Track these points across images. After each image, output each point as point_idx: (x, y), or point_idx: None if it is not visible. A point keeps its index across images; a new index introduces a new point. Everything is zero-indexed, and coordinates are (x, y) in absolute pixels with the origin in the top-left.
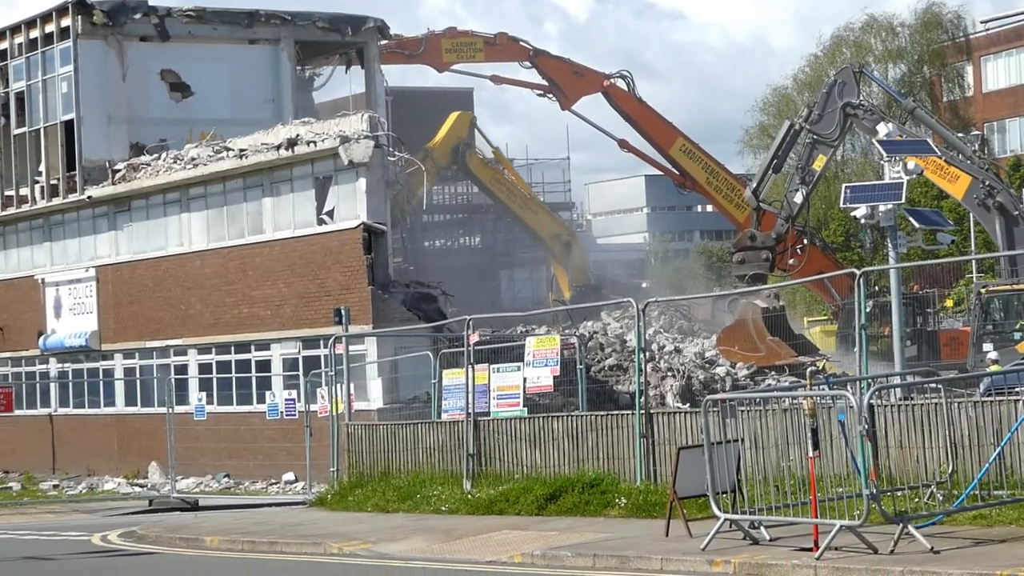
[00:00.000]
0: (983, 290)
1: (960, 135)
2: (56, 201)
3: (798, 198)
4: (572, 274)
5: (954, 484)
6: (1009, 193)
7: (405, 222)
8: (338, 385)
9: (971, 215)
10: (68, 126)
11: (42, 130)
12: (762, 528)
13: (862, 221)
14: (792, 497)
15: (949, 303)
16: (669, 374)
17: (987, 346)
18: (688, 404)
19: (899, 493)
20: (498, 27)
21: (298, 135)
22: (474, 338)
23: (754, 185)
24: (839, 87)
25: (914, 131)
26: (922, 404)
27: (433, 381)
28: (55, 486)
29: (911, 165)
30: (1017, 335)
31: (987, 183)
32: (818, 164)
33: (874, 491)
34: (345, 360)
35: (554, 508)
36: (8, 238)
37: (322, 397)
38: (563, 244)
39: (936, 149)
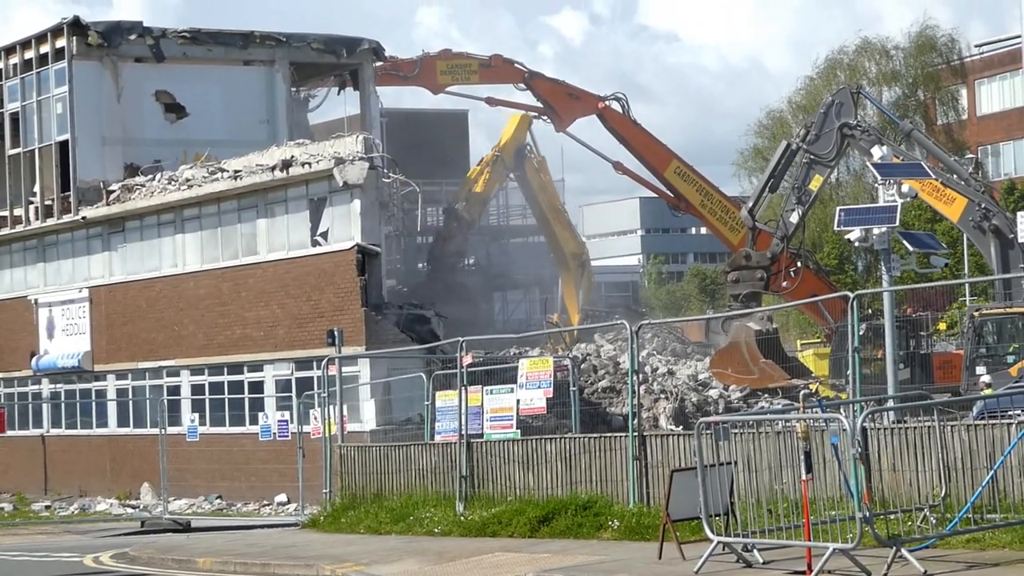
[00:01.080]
0: (976, 313)
1: (955, 158)
2: (50, 222)
3: (794, 218)
4: (583, 295)
5: (947, 507)
6: (1005, 216)
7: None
8: (331, 406)
9: (964, 238)
10: (63, 147)
11: (37, 150)
12: (755, 551)
13: (856, 244)
14: (785, 520)
15: (942, 326)
16: (662, 396)
17: (980, 369)
18: (681, 426)
19: (892, 516)
20: (493, 49)
21: (293, 156)
22: (467, 360)
23: (750, 204)
24: (836, 107)
25: (911, 153)
26: (915, 427)
27: (426, 403)
28: (47, 507)
29: (905, 188)
30: (1010, 358)
31: (983, 206)
32: (814, 184)
33: (867, 514)
34: (338, 381)
35: (547, 530)
36: (2, 259)
37: (315, 418)
38: (579, 263)
39: (930, 172)
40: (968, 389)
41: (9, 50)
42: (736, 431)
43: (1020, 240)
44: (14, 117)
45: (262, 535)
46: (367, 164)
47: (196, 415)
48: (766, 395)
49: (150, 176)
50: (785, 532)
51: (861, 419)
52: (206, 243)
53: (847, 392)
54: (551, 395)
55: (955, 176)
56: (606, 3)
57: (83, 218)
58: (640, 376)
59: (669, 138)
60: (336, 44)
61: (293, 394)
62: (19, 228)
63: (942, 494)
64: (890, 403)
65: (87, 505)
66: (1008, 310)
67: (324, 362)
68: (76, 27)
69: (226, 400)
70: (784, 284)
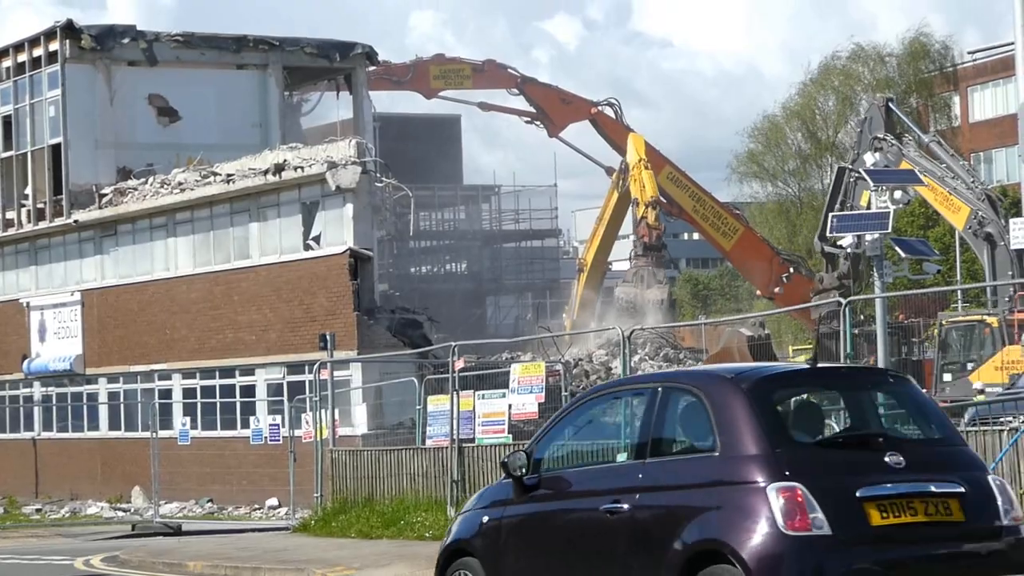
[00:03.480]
0: (944, 322)
1: (962, 163)
2: (42, 225)
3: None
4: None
5: None
6: (998, 224)
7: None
8: (322, 411)
9: (957, 245)
10: (55, 150)
11: (29, 154)
12: None
13: (848, 250)
14: None
15: (934, 332)
16: None
17: (947, 376)
18: None
19: None
20: (487, 54)
21: (285, 160)
22: (459, 364)
23: (819, 232)
24: (868, 123)
25: (936, 162)
26: None
27: (418, 407)
28: (38, 510)
29: (898, 195)
30: (970, 365)
31: (980, 214)
32: (863, 200)
33: None
34: (330, 386)
35: None
36: None
37: (306, 422)
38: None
39: (922, 179)
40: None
41: (2, 53)
42: None
43: (1013, 246)
44: (6, 120)
45: (253, 539)
46: (360, 168)
47: (188, 419)
48: None
49: (142, 180)
50: None
51: None
52: (198, 247)
53: None
54: (543, 400)
55: (962, 184)
56: (600, 8)
57: (75, 221)
58: None
59: (663, 144)
60: (329, 48)
61: (285, 398)
62: (11, 231)
63: None
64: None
65: (78, 508)
66: (970, 318)
67: (316, 366)
68: (69, 30)
69: (218, 404)
70: (776, 290)
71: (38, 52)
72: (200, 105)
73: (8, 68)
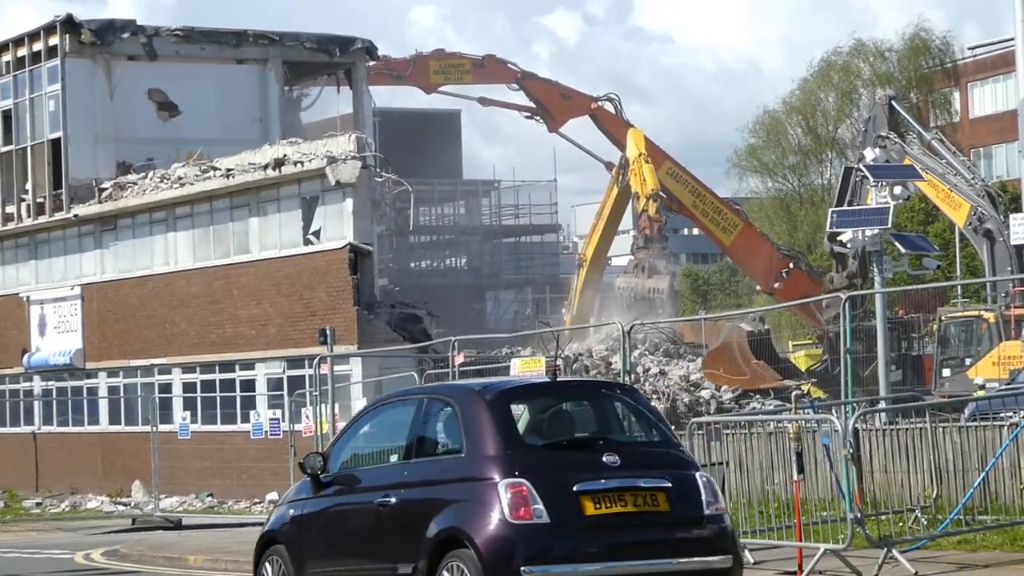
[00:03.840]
0: (943, 317)
1: (962, 158)
2: (42, 219)
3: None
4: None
5: (938, 509)
6: (997, 220)
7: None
8: (322, 405)
9: (957, 241)
10: (55, 144)
11: (29, 148)
12: (746, 551)
13: (848, 245)
14: (776, 520)
15: (934, 328)
16: (654, 397)
17: (946, 372)
18: (673, 427)
19: (883, 517)
20: (488, 49)
21: (285, 155)
22: (459, 359)
23: (828, 233)
24: (872, 122)
25: (938, 159)
26: (907, 429)
27: None
28: (38, 504)
29: (898, 190)
30: (968, 360)
31: (979, 210)
32: (869, 199)
33: (858, 515)
34: (330, 380)
35: None
36: None
37: (307, 417)
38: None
39: (922, 174)
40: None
41: (2, 47)
42: (728, 432)
43: (1013, 242)
44: (6, 114)
45: (253, 533)
46: (360, 163)
47: (188, 413)
48: (758, 396)
49: (142, 174)
50: (776, 532)
51: (853, 420)
52: (198, 241)
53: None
54: None
55: (963, 181)
56: (600, 4)
57: (75, 216)
58: (632, 376)
59: (663, 139)
60: (329, 43)
61: (285, 392)
62: (11, 225)
63: (933, 495)
64: (882, 404)
65: (78, 502)
66: (968, 313)
67: (316, 361)
68: (69, 25)
69: (218, 398)
70: (776, 285)
71: (38, 47)
72: (200, 100)
73: (8, 63)
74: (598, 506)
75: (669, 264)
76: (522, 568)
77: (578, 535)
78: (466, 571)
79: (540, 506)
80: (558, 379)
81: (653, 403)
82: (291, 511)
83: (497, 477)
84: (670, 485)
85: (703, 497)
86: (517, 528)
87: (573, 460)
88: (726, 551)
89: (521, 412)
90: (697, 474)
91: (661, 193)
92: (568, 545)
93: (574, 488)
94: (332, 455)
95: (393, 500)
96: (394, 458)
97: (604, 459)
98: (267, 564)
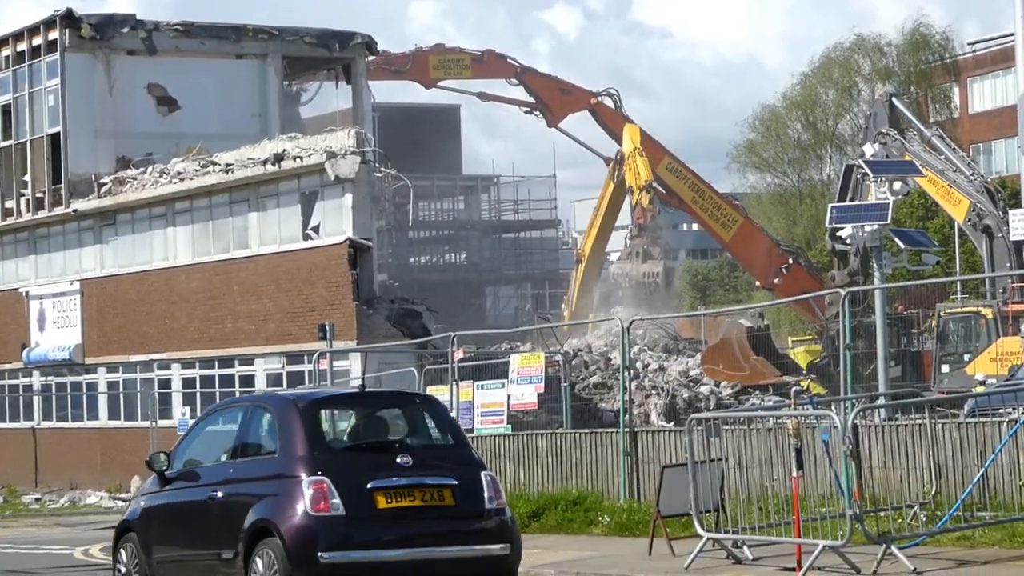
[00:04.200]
0: (942, 313)
1: (961, 154)
2: (41, 214)
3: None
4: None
5: (937, 505)
6: (996, 216)
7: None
8: None
9: (956, 236)
10: (54, 139)
11: (28, 143)
12: (745, 547)
13: (849, 242)
14: (775, 517)
15: (933, 323)
16: (653, 392)
17: (944, 367)
18: (672, 423)
19: (882, 514)
20: (487, 44)
21: (284, 150)
22: (459, 355)
23: (828, 231)
24: (873, 119)
25: (938, 155)
26: (906, 425)
27: None
28: (37, 499)
29: (897, 186)
30: (967, 356)
31: (979, 206)
32: (870, 196)
33: (857, 511)
34: (329, 376)
35: (537, 526)
36: None
37: None
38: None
39: (922, 170)
40: (938, 387)
41: (1, 42)
42: (727, 428)
43: (1012, 237)
44: (5, 109)
45: None
46: (359, 158)
47: (187, 408)
48: (757, 392)
49: (142, 169)
50: (775, 529)
51: (852, 416)
52: (197, 236)
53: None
54: (542, 390)
55: (962, 177)
56: None
57: (74, 211)
58: (631, 372)
59: (663, 134)
60: (329, 38)
61: (284, 388)
62: (10, 220)
63: (932, 492)
64: (881, 400)
65: (77, 498)
66: (966, 309)
67: (315, 356)
68: (69, 19)
69: (217, 393)
70: (776, 281)
71: (37, 41)
72: (199, 94)
73: (8, 57)
74: (389, 500)
75: (664, 250)
76: (320, 554)
77: (372, 526)
78: (273, 557)
79: (338, 500)
80: (365, 390)
81: (652, 398)
82: (143, 503)
83: (303, 475)
84: (456, 482)
85: (486, 493)
86: (317, 519)
87: (370, 461)
88: (505, 540)
89: (333, 419)
90: (483, 473)
91: (656, 185)
92: (363, 534)
93: (368, 485)
94: (177, 454)
95: (220, 495)
96: (224, 458)
97: (398, 460)
98: (122, 550)
